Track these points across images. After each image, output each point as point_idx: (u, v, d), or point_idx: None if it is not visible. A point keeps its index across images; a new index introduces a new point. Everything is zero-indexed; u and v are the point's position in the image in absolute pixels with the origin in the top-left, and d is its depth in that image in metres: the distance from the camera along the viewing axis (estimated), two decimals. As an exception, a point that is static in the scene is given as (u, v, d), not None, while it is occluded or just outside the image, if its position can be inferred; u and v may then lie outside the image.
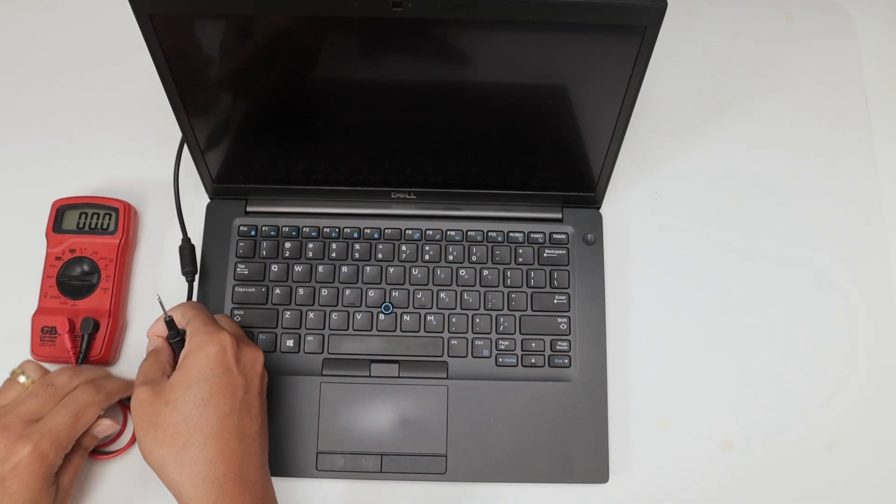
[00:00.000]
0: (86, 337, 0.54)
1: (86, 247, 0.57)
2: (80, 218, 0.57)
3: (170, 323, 0.49)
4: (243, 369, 0.46)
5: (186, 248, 0.58)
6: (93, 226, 0.57)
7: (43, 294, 0.56)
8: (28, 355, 0.55)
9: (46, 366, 0.54)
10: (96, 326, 0.54)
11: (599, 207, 0.60)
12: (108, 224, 0.57)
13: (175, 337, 0.49)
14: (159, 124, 0.61)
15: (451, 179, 0.57)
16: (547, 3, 0.42)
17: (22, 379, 0.49)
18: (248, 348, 0.48)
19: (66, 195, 0.58)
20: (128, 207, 0.58)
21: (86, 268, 0.56)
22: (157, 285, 0.59)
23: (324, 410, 0.54)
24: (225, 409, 0.44)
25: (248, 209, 0.59)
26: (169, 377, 0.46)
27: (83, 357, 0.54)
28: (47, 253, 0.57)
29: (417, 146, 0.54)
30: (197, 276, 0.58)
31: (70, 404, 0.47)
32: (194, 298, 0.58)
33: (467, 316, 0.57)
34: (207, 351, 0.45)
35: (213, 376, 0.45)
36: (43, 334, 0.54)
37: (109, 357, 0.55)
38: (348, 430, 0.54)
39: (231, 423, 0.44)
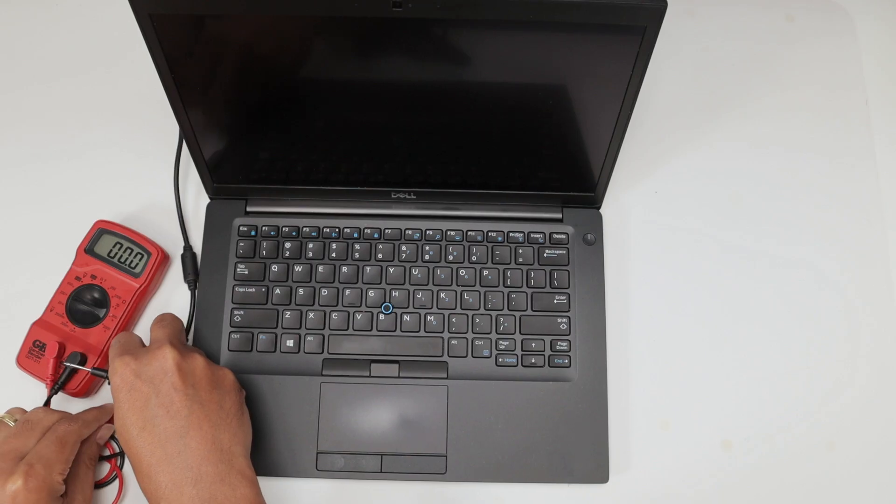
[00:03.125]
0: (67, 370, 0.53)
1: (107, 278, 0.56)
2: (114, 247, 0.57)
3: (96, 372, 0.53)
4: (147, 378, 0.47)
5: (188, 257, 0.58)
6: (122, 260, 0.56)
7: (50, 307, 0.55)
8: (13, 358, 0.55)
9: (25, 379, 0.55)
10: (82, 362, 0.54)
11: (599, 207, 0.60)
12: (137, 265, 0.56)
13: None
14: (159, 124, 0.61)
15: (450, 179, 0.57)
16: (547, 3, 0.42)
17: (11, 423, 0.50)
18: (151, 355, 0.48)
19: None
20: (160, 254, 0.57)
21: (97, 297, 0.56)
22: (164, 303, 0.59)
23: (324, 410, 0.54)
24: (138, 425, 0.46)
25: (248, 209, 0.59)
26: None
27: (59, 387, 0.53)
28: (70, 269, 0.56)
29: (417, 146, 0.54)
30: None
31: (51, 435, 0.48)
32: (195, 299, 0.58)
33: (467, 316, 0.57)
34: (113, 384, 0.48)
35: (121, 403, 0.47)
36: (33, 347, 0.54)
37: (86, 393, 0.55)
38: (348, 430, 0.54)
39: (148, 436, 0.46)
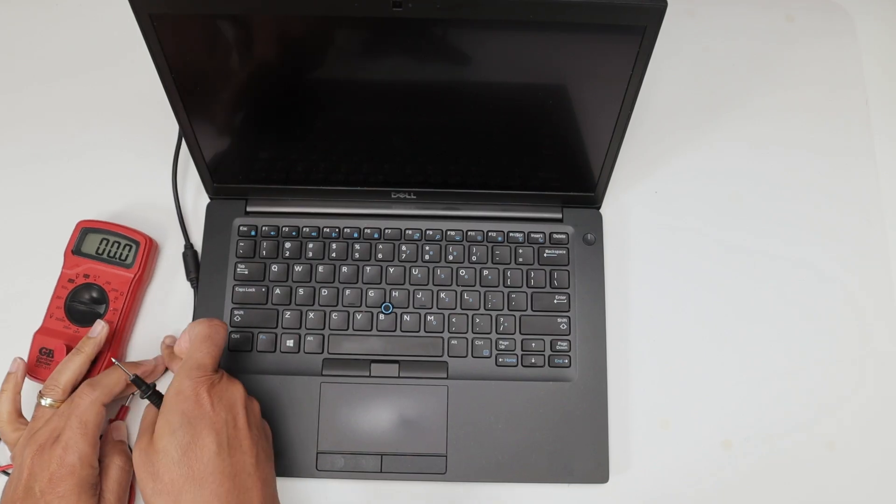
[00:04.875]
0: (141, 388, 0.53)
1: (100, 275, 0.56)
2: (100, 244, 0.57)
3: (136, 381, 0.49)
4: (224, 405, 0.45)
5: (190, 255, 0.58)
6: (111, 254, 0.56)
7: (49, 314, 0.55)
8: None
9: (36, 388, 0.54)
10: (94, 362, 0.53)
11: (599, 207, 0.60)
12: (127, 256, 0.56)
13: (147, 392, 0.49)
14: (159, 124, 0.61)
15: (451, 179, 0.57)
16: (547, 3, 0.42)
17: (44, 402, 0.50)
18: (226, 383, 0.47)
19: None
20: (149, 242, 0.57)
21: (95, 295, 0.56)
22: (165, 312, 0.58)
23: (324, 410, 0.54)
24: (212, 448, 0.44)
25: (248, 209, 0.59)
26: None
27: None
28: (62, 273, 0.56)
29: (417, 146, 0.54)
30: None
31: (72, 415, 0.47)
32: (197, 298, 0.58)
33: (467, 316, 0.57)
34: (184, 395, 0.45)
35: (194, 419, 0.44)
36: (41, 355, 0.54)
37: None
38: (348, 430, 0.54)
39: (221, 463, 0.44)
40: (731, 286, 0.60)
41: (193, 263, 0.58)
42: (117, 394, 0.50)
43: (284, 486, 0.54)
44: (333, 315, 0.57)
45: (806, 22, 0.68)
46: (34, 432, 0.48)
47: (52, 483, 0.45)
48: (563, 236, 0.59)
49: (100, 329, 0.53)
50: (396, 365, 0.56)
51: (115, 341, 0.55)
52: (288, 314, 0.57)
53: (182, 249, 0.59)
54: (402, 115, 0.51)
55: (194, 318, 0.57)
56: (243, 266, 0.58)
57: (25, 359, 0.54)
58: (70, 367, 0.51)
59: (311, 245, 0.58)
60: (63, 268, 0.56)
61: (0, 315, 0.58)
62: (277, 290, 0.57)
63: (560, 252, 0.59)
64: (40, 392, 0.50)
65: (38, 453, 0.47)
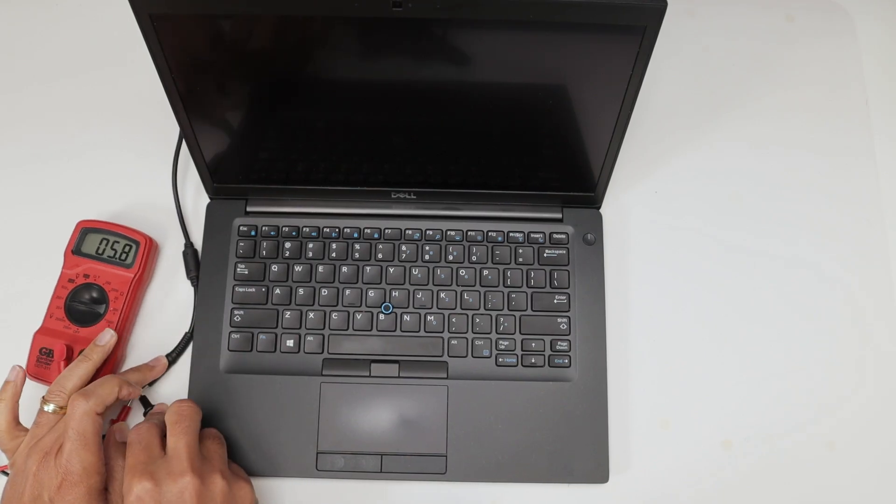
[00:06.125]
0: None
1: (100, 275, 0.56)
2: (100, 244, 0.57)
3: (144, 400, 0.55)
4: None
5: (190, 253, 0.58)
6: (111, 255, 0.56)
7: (49, 314, 0.55)
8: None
9: (39, 388, 0.54)
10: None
11: (599, 207, 0.60)
12: (127, 256, 0.56)
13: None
14: (159, 124, 0.61)
15: (451, 179, 0.57)
16: (547, 3, 0.42)
17: (47, 408, 0.49)
18: (173, 482, 0.45)
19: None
20: (149, 242, 0.57)
21: (95, 295, 0.56)
22: (165, 312, 0.59)
23: (324, 410, 0.54)
24: None
25: (248, 209, 0.59)
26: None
27: None
28: (62, 273, 0.56)
29: (417, 146, 0.54)
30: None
31: (69, 427, 0.47)
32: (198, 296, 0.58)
33: (467, 316, 0.57)
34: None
35: None
36: (41, 355, 0.54)
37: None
38: (348, 430, 0.54)
39: None
40: (731, 286, 0.60)
41: (194, 262, 0.58)
42: (110, 404, 0.49)
43: (284, 486, 0.54)
44: (333, 315, 0.57)
45: (806, 22, 0.68)
46: (38, 439, 0.48)
47: (62, 491, 0.45)
48: (563, 236, 0.59)
49: (108, 338, 0.53)
50: (396, 365, 0.56)
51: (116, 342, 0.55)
52: (288, 314, 0.57)
53: (182, 249, 0.59)
54: (402, 115, 0.51)
55: (195, 318, 0.57)
56: (243, 266, 0.58)
57: (25, 361, 0.54)
58: (76, 373, 0.51)
59: (311, 245, 0.58)
60: (63, 268, 0.56)
61: (0, 315, 0.58)
62: (277, 290, 0.57)
63: (560, 252, 0.59)
64: (43, 398, 0.50)
65: (44, 461, 0.46)
